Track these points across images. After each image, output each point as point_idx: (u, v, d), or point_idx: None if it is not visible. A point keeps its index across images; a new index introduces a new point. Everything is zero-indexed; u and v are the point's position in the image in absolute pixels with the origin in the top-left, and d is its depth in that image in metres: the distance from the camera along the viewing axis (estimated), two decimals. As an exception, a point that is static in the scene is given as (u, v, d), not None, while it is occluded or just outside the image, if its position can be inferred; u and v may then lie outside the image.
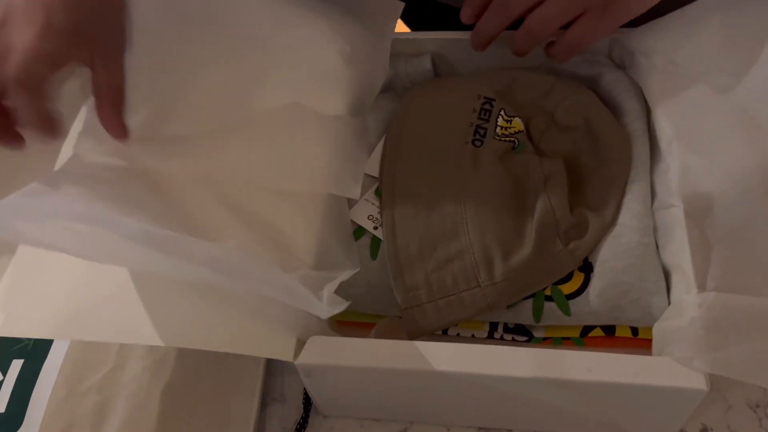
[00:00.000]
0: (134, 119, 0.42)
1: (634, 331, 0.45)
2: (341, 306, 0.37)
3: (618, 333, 0.46)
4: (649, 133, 0.48)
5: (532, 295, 0.44)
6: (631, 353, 0.37)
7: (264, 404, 0.47)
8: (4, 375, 0.47)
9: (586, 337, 0.46)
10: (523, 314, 0.45)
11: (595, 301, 0.44)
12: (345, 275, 0.40)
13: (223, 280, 0.36)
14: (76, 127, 0.43)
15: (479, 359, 0.38)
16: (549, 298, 0.44)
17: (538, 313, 0.44)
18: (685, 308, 0.38)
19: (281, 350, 0.38)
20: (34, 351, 0.48)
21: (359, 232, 0.47)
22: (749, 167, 0.42)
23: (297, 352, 0.39)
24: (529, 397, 0.41)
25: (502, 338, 0.47)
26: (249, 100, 0.46)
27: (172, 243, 0.35)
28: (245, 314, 0.38)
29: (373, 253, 0.46)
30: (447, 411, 0.45)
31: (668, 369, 0.36)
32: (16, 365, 0.47)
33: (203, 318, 0.38)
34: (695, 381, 0.36)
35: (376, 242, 0.47)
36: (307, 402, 0.46)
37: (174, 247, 0.35)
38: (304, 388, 0.46)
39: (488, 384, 0.39)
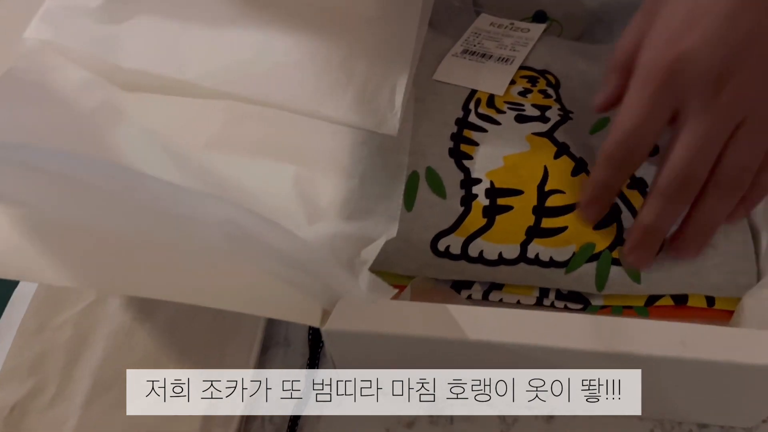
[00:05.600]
0: None
1: (710, 301, 0.39)
2: (387, 293, 0.30)
3: (690, 302, 0.39)
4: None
5: (596, 258, 0.37)
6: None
7: (264, 348, 0.42)
8: None
9: (651, 306, 0.39)
10: (584, 281, 0.38)
11: (671, 266, 0.37)
12: (385, 236, 0.32)
13: (235, 249, 0.28)
14: None
15: (541, 328, 0.31)
16: (616, 262, 0.37)
17: (602, 280, 0.37)
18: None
19: (306, 313, 0.31)
20: (3, 277, 0.42)
21: None
22: None
23: (325, 316, 0.31)
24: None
25: (552, 305, 0.40)
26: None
27: (172, 196, 0.26)
28: (263, 273, 0.30)
29: (408, 204, 0.39)
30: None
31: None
32: (-19, 290, 0.42)
33: (210, 271, 0.30)
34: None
35: (411, 188, 0.39)
36: (314, 347, 0.40)
37: (175, 202, 0.26)
38: (310, 332, 0.41)
39: (545, 358, 0.32)
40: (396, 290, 0.30)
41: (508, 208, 0.38)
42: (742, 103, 0.29)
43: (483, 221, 0.38)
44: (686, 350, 0.30)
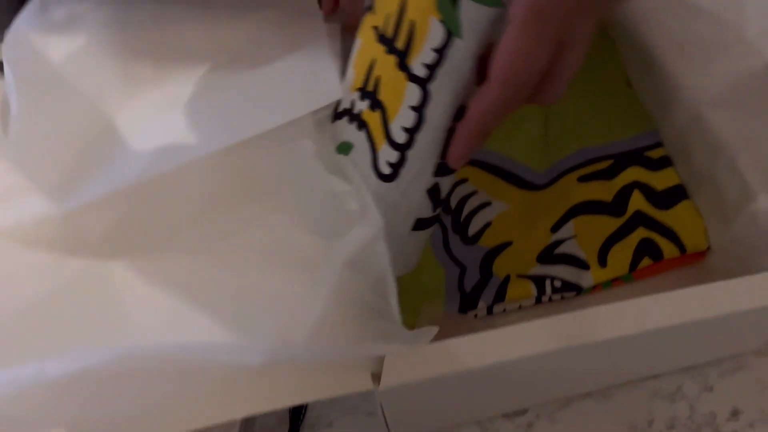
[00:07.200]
0: None
1: (681, 249, 0.42)
2: (429, 333, 0.30)
3: (666, 255, 0.42)
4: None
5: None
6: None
7: None
8: None
9: (635, 270, 0.42)
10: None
11: None
12: (395, 270, 0.31)
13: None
14: None
15: (578, 327, 0.32)
16: None
17: (455, 26, 0.30)
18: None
19: (356, 381, 0.29)
20: None
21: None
22: None
23: (375, 378, 0.30)
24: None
25: (550, 300, 0.41)
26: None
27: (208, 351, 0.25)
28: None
29: None
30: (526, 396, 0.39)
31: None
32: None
33: (254, 382, 0.27)
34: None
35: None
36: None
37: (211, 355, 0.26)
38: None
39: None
40: (437, 327, 0.29)
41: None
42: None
43: (377, 115, 0.35)
44: (716, 309, 0.32)
